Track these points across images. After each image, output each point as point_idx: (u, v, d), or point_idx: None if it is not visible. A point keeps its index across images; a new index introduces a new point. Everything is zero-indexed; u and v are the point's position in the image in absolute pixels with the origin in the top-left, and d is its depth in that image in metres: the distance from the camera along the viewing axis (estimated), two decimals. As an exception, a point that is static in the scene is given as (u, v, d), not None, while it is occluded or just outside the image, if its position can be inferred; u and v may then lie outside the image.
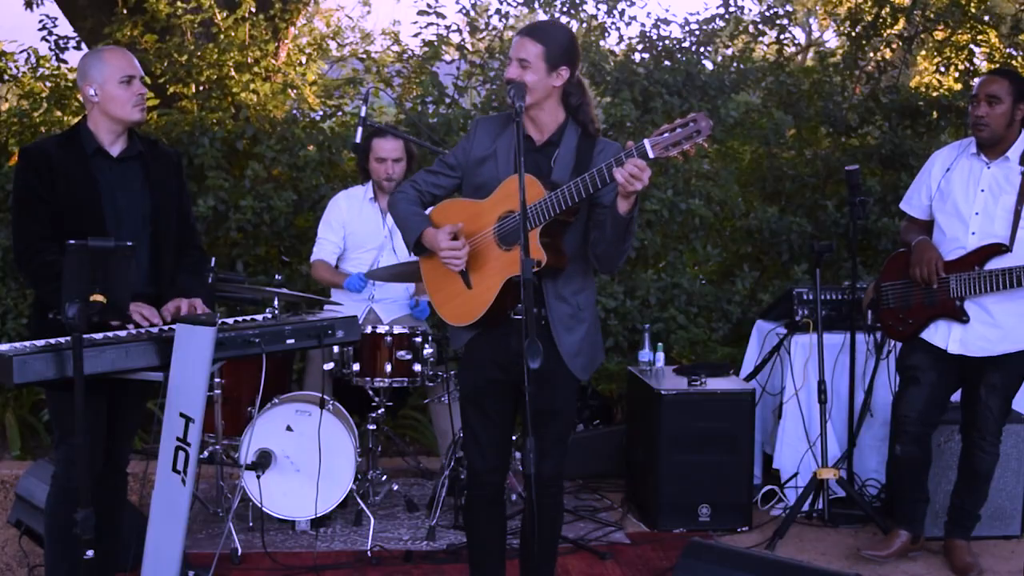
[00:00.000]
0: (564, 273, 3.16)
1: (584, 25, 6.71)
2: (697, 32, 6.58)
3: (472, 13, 6.78)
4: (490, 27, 6.75)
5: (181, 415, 3.07)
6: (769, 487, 4.94)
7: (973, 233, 3.99)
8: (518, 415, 3.40)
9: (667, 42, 6.56)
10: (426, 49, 6.53)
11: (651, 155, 2.89)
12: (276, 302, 3.63)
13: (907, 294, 4.15)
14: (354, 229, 4.92)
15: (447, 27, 6.55)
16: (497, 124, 3.27)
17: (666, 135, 2.89)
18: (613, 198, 3.00)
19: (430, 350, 4.54)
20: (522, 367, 3.02)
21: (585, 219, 3.18)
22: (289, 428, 4.29)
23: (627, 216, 2.98)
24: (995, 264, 3.93)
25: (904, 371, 4.22)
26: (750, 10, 6.97)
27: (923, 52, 7.94)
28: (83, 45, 6.84)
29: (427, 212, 3.32)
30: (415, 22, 6.55)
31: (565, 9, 6.66)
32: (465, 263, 3.17)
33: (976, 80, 4.22)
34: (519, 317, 3.14)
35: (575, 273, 3.21)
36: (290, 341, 3.39)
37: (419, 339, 4.53)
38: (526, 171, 3.02)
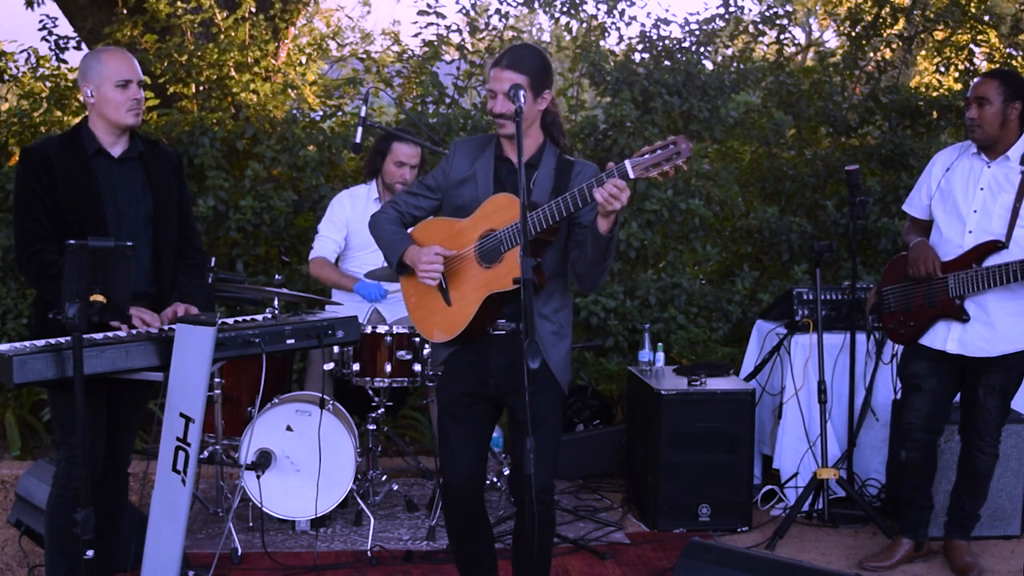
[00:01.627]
0: (544, 291, 3.21)
1: (584, 25, 6.71)
2: (697, 32, 6.58)
3: (472, 13, 6.78)
4: (490, 27, 6.75)
5: (181, 415, 3.07)
6: (769, 487, 4.95)
7: (970, 232, 3.99)
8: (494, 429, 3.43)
9: (667, 42, 6.56)
10: (426, 49, 6.53)
11: (631, 176, 2.93)
12: (276, 302, 3.63)
13: (908, 296, 4.15)
14: (357, 228, 4.91)
15: (447, 27, 6.56)
16: (475, 146, 3.32)
17: (647, 156, 2.94)
18: (592, 217, 3.04)
19: (430, 350, 4.54)
20: (502, 380, 3.15)
21: (564, 238, 3.24)
22: (289, 428, 4.29)
23: (608, 235, 3.03)
24: (993, 261, 3.94)
25: (906, 379, 4.23)
26: (750, 10, 6.98)
27: (923, 52, 7.93)
28: (83, 45, 6.85)
29: (408, 232, 3.37)
30: (415, 22, 6.57)
31: (565, 9, 6.66)
32: (440, 278, 3.22)
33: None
34: (499, 332, 3.23)
35: (555, 291, 3.26)
36: (290, 341, 3.40)
37: (419, 339, 4.53)
38: (507, 192, 3.13)
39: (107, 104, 3.32)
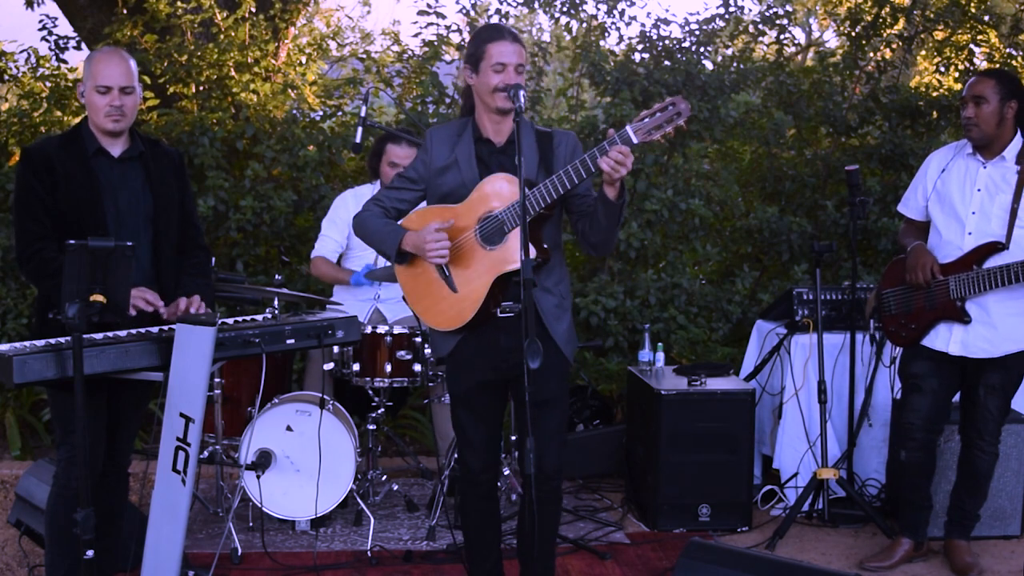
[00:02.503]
0: (546, 266, 3.21)
1: (584, 25, 6.70)
2: (697, 32, 6.58)
3: (472, 13, 6.78)
4: (490, 27, 6.74)
5: (181, 415, 3.07)
6: (769, 487, 4.95)
7: (970, 233, 3.98)
8: (507, 410, 3.46)
9: (667, 42, 6.55)
10: (426, 49, 6.53)
11: (635, 140, 2.95)
12: (276, 302, 3.63)
13: (908, 299, 4.15)
14: (360, 227, 4.91)
15: (447, 27, 6.56)
16: (451, 132, 3.30)
17: (647, 120, 2.96)
18: (589, 186, 3.09)
19: (430, 350, 4.54)
20: (512, 363, 3.13)
21: (559, 211, 3.26)
22: (289, 428, 4.29)
23: (618, 202, 3.05)
24: (993, 262, 3.93)
25: (906, 379, 4.22)
26: (750, 10, 6.97)
27: (923, 52, 7.93)
28: (83, 45, 6.85)
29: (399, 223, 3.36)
30: (415, 22, 6.57)
31: (565, 9, 6.66)
32: (448, 255, 3.17)
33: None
34: (506, 315, 3.20)
35: (554, 264, 3.27)
36: (290, 341, 3.40)
37: (419, 339, 4.54)
38: (494, 172, 3.15)
39: (90, 107, 3.34)
